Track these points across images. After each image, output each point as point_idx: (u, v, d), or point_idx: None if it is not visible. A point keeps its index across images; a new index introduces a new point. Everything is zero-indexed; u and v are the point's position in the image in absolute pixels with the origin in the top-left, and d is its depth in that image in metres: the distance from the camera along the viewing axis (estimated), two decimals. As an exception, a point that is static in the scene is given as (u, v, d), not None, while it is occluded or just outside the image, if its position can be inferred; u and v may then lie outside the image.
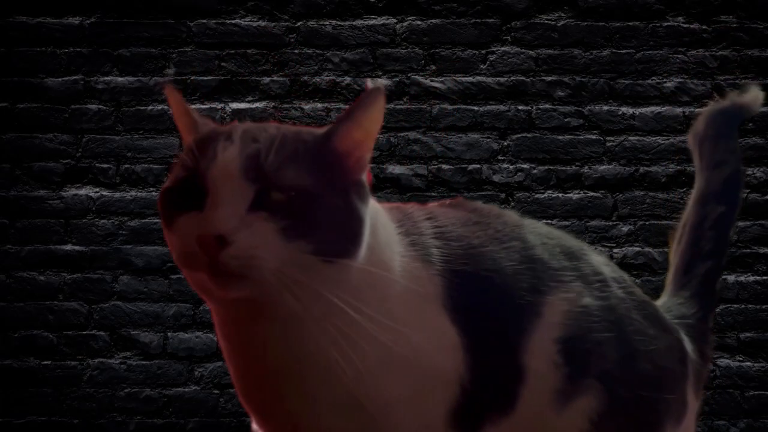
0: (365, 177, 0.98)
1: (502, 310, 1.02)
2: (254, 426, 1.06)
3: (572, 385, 1.01)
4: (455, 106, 2.74)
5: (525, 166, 2.74)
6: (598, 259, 1.12)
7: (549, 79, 2.76)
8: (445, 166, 2.71)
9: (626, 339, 1.06)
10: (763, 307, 2.70)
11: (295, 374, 0.96)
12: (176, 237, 0.92)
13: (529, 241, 1.07)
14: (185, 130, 1.01)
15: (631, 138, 2.75)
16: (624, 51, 2.77)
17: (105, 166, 2.72)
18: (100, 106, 2.74)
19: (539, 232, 1.10)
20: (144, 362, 2.66)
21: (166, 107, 2.73)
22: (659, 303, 1.23)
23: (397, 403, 0.97)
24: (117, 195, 2.71)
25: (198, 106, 2.72)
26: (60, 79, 2.73)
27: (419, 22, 2.76)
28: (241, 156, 0.90)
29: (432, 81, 2.75)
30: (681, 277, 1.25)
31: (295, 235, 0.89)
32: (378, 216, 1.01)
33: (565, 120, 2.75)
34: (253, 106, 2.71)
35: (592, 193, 2.74)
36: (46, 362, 2.65)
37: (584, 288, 1.06)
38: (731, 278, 2.70)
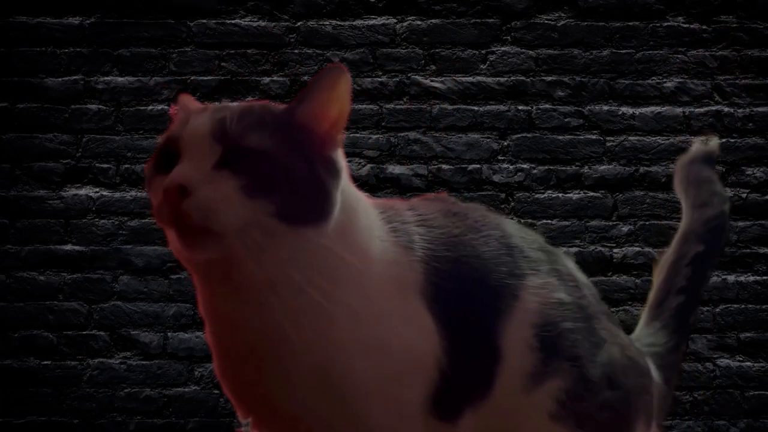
0: (337, 156, 1.00)
1: (480, 293, 1.04)
2: None
3: (544, 368, 1.03)
4: (455, 106, 2.74)
5: (525, 166, 2.74)
6: (571, 264, 1.15)
7: (549, 79, 2.76)
8: (445, 166, 2.71)
9: (596, 332, 1.09)
10: (763, 307, 2.70)
11: (267, 348, 0.98)
12: (152, 196, 0.97)
13: (507, 230, 1.10)
14: None
15: (631, 138, 2.75)
16: (624, 51, 2.77)
17: (105, 166, 2.72)
18: (100, 106, 2.74)
19: (517, 227, 1.13)
20: (144, 362, 2.66)
21: (166, 107, 2.73)
22: (632, 335, 1.26)
23: (370, 385, 0.99)
24: (117, 195, 2.71)
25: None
26: (60, 79, 2.73)
27: (419, 22, 2.76)
28: (210, 121, 0.97)
29: (432, 81, 2.75)
30: (654, 310, 1.28)
31: (257, 193, 0.93)
32: (360, 202, 1.04)
33: (565, 120, 2.75)
34: (253, 106, 2.71)
35: (592, 193, 2.74)
36: (46, 362, 2.65)
37: (558, 282, 1.09)
38: (731, 278, 2.70)
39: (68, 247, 2.69)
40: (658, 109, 2.76)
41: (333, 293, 0.97)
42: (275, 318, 0.97)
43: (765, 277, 2.71)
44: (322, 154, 0.99)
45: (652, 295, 1.29)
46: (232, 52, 2.75)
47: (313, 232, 0.96)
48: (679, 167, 1.35)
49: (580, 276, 1.14)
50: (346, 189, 1.01)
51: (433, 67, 2.76)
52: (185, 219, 0.92)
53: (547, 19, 2.77)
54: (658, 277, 1.29)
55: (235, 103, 1.02)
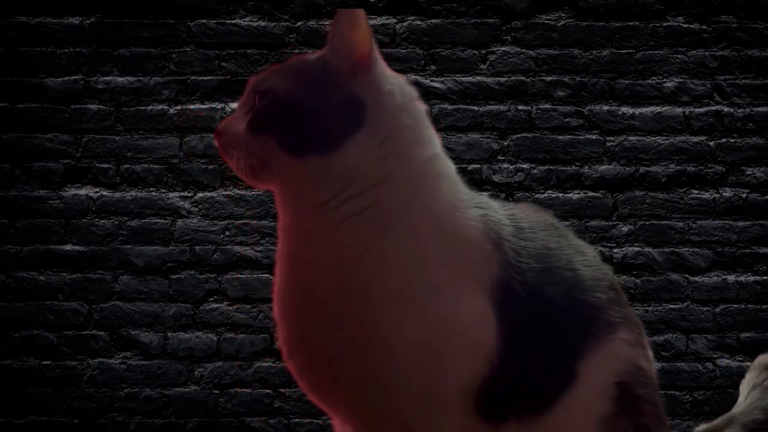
0: (365, 92, 1.04)
1: (571, 305, 1.04)
2: None
3: (613, 421, 1.03)
4: (455, 106, 2.74)
5: (525, 166, 2.74)
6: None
7: (549, 79, 2.76)
8: (445, 166, 2.70)
9: (661, 409, 1.10)
10: (763, 307, 2.70)
11: (309, 283, 1.04)
12: None
13: (610, 272, 1.12)
14: None
15: (631, 138, 2.75)
16: (624, 51, 2.76)
17: (105, 166, 2.72)
18: (100, 106, 2.74)
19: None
20: (144, 362, 2.66)
21: (166, 107, 2.73)
22: None
23: (410, 351, 0.98)
24: (117, 195, 2.71)
25: (198, 106, 2.72)
26: (60, 79, 2.73)
27: (419, 22, 2.76)
28: (258, 75, 1.11)
29: (432, 81, 2.75)
30: None
31: (259, 129, 1.06)
32: (443, 175, 1.07)
33: (565, 120, 2.75)
34: (253, 106, 2.71)
35: (592, 193, 2.73)
36: (46, 362, 2.65)
37: (641, 350, 1.09)
38: (731, 278, 2.70)
39: (68, 247, 2.69)
40: (658, 109, 2.76)
41: (374, 233, 1.01)
42: (314, 254, 1.02)
43: (765, 277, 2.71)
44: (342, 92, 1.04)
45: None
46: (232, 52, 2.75)
47: (321, 160, 1.02)
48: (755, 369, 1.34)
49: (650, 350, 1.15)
50: (413, 148, 1.06)
51: (433, 67, 2.76)
52: (222, 152, 1.09)
53: (547, 19, 2.77)
54: None
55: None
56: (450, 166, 1.11)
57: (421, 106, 1.12)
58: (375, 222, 1.01)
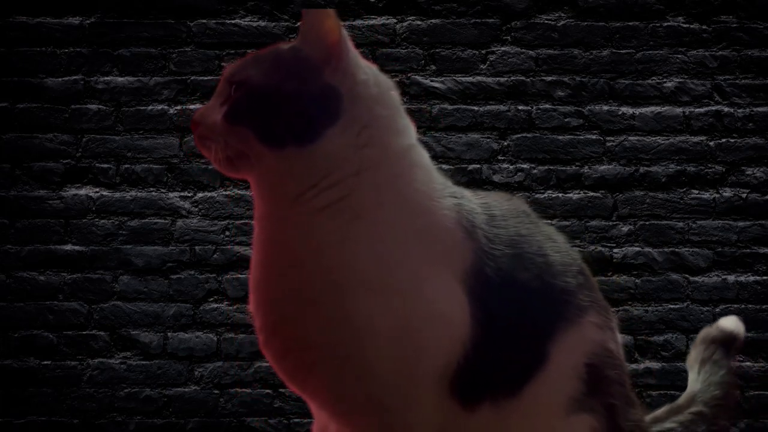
0: (341, 83, 1.06)
1: (542, 290, 1.06)
2: None
3: (583, 400, 1.05)
4: (455, 106, 2.74)
5: (525, 166, 2.74)
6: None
7: (549, 79, 2.76)
8: (445, 166, 2.71)
9: (630, 391, 1.12)
10: (763, 307, 2.70)
11: (287, 268, 1.05)
12: None
13: (579, 257, 1.14)
14: None
15: (631, 138, 2.75)
16: (624, 51, 2.77)
17: (105, 166, 2.72)
18: (100, 106, 2.74)
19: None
20: (144, 362, 2.66)
21: (166, 107, 2.73)
22: None
23: (386, 333, 1.00)
24: (117, 195, 2.71)
25: (198, 106, 2.72)
26: (60, 79, 2.73)
27: (419, 22, 2.76)
28: (232, 65, 1.11)
29: (432, 81, 2.75)
30: None
31: (236, 120, 1.06)
32: (421, 164, 1.08)
33: (565, 120, 2.75)
34: (253, 106, 2.71)
35: (592, 193, 2.74)
36: (46, 362, 2.65)
37: (610, 333, 1.12)
38: (731, 278, 2.70)
39: (68, 247, 2.69)
40: (658, 109, 2.76)
41: (350, 222, 1.02)
42: (290, 243, 1.03)
43: (765, 277, 2.71)
44: (317, 82, 1.04)
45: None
46: (232, 52, 2.75)
47: (300, 151, 1.02)
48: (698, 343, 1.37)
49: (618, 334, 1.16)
50: (389, 138, 1.06)
51: (433, 67, 2.76)
52: (199, 143, 1.09)
53: (547, 19, 2.77)
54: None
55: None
56: (425, 156, 1.11)
57: (397, 96, 1.13)
58: (351, 211, 1.03)
